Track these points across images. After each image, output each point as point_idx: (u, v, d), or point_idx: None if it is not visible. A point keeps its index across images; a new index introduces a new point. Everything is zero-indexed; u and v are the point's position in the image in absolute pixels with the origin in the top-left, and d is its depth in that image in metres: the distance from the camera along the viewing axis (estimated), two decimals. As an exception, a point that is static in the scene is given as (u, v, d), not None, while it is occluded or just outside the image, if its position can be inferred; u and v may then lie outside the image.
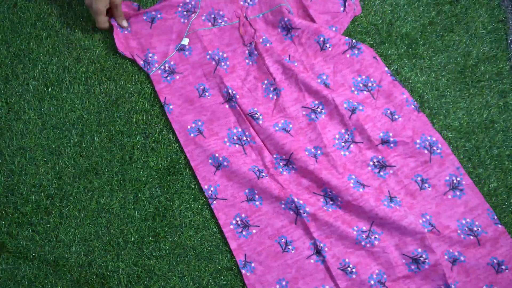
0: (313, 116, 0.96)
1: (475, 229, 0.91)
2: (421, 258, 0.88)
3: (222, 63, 1.00)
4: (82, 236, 0.96)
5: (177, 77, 1.01)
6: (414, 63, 1.03)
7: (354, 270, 0.89)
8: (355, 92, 0.98)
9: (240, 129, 0.98)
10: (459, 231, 0.90)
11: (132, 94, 1.02)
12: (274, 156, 0.96)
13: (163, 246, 0.95)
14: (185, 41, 1.01)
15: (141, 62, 1.01)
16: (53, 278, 0.94)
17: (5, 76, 1.03)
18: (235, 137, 0.97)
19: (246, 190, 0.95)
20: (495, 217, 0.92)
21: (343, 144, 0.95)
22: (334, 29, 1.02)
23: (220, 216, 0.94)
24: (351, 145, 0.95)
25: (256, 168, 0.95)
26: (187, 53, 1.01)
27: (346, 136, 0.96)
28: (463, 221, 0.91)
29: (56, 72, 1.03)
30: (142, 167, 0.98)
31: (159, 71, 1.00)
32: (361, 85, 0.98)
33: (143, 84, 1.02)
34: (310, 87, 0.97)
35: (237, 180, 0.95)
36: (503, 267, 0.88)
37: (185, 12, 1.02)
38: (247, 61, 1.01)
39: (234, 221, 0.94)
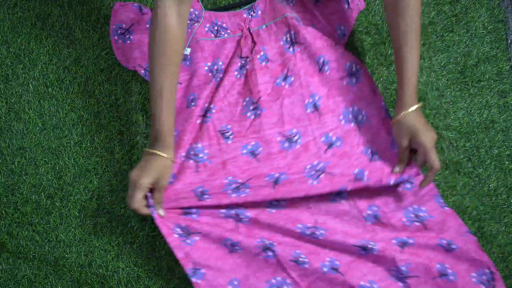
0: (286, 145, 0.93)
1: (421, 214, 0.91)
2: (369, 246, 0.87)
3: (218, 74, 0.98)
4: (82, 236, 0.96)
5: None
6: (414, 63, 1.03)
7: (306, 260, 0.87)
8: (342, 122, 0.94)
9: (200, 145, 0.94)
10: (404, 219, 0.90)
11: (132, 94, 1.02)
12: (229, 178, 0.92)
13: (163, 246, 0.95)
14: (187, 51, 0.99)
15: (142, 72, 1.00)
16: (53, 278, 0.94)
17: (5, 76, 1.03)
18: (192, 152, 0.93)
19: (186, 203, 0.91)
20: (441, 201, 0.92)
21: (312, 173, 0.91)
22: (342, 27, 1.01)
23: (162, 227, 0.88)
24: (322, 175, 0.91)
25: (200, 189, 0.90)
26: (188, 62, 1.00)
27: (318, 167, 0.92)
28: (410, 208, 0.91)
29: (56, 72, 1.03)
30: (142, 167, 0.98)
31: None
32: (350, 116, 0.95)
33: (143, 84, 1.02)
34: (293, 114, 0.95)
35: (176, 197, 0.90)
36: (453, 246, 0.88)
37: (188, 21, 1.01)
38: (236, 73, 0.98)
39: (176, 230, 0.89)
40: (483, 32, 1.05)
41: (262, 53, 0.99)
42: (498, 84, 1.02)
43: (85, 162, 0.99)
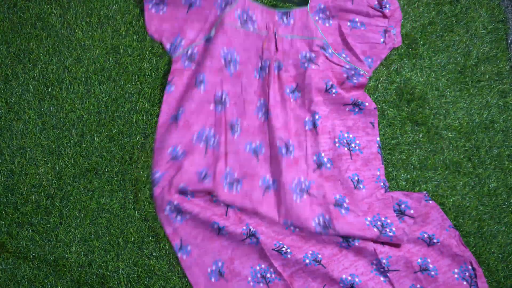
0: (283, 151, 0.95)
1: (402, 206, 0.93)
2: (350, 238, 0.90)
3: (231, 65, 1.00)
4: (82, 236, 0.96)
5: (193, 67, 1.01)
6: (414, 63, 1.03)
7: (288, 250, 0.89)
8: (337, 144, 0.96)
9: (212, 132, 0.97)
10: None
11: (132, 94, 1.02)
12: (227, 169, 0.95)
13: (163, 246, 0.95)
14: (212, 33, 1.01)
15: (168, 46, 1.02)
16: (53, 278, 0.94)
17: (5, 76, 1.03)
18: (204, 137, 0.97)
19: (182, 184, 0.94)
20: (427, 195, 0.94)
21: (298, 190, 0.94)
22: (370, 60, 1.01)
23: (158, 200, 0.95)
24: (305, 195, 0.94)
25: (204, 172, 0.94)
26: (209, 45, 1.01)
27: (303, 185, 0.94)
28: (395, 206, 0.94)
29: (56, 72, 1.03)
30: (142, 167, 0.98)
31: (181, 55, 1.01)
32: (345, 141, 0.97)
33: (143, 84, 1.02)
34: (292, 127, 0.97)
35: (180, 175, 0.94)
36: (435, 240, 0.90)
37: (223, 5, 1.02)
38: (255, 73, 1.00)
39: (168, 207, 0.94)
40: (483, 32, 1.05)
41: (279, 61, 1.00)
42: (498, 84, 1.02)
43: (85, 162, 0.99)
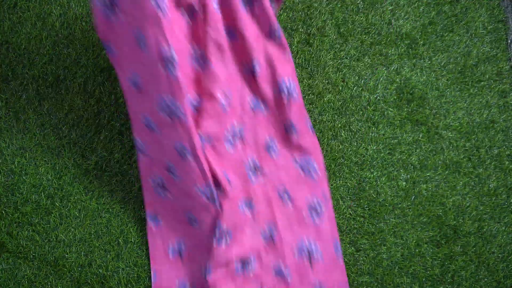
0: (224, 102, 0.88)
1: (313, 250, 0.94)
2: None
3: (163, 11, 0.79)
4: (82, 236, 0.96)
5: (121, 18, 0.82)
6: (414, 63, 1.03)
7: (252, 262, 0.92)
8: (274, 90, 0.92)
9: (170, 98, 0.85)
10: (295, 251, 0.94)
11: (132, 94, 1.02)
12: (200, 133, 0.89)
13: (163, 246, 0.95)
14: None
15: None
16: (53, 278, 0.94)
17: (5, 76, 1.03)
18: (165, 106, 0.86)
19: (168, 163, 0.91)
20: (339, 249, 0.93)
21: (230, 138, 0.90)
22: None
23: (142, 169, 0.94)
24: (238, 141, 0.92)
25: (180, 146, 0.88)
26: None
27: (237, 130, 0.91)
28: (306, 242, 0.94)
29: (56, 72, 1.03)
30: (142, 167, 0.99)
31: (98, 3, 0.82)
32: (285, 87, 0.91)
33: (143, 84, 1.02)
34: (233, 72, 0.89)
35: (161, 149, 0.91)
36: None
37: None
38: (186, 18, 0.85)
39: (153, 179, 0.94)
40: (483, 32, 1.05)
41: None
42: (498, 84, 1.02)
43: (85, 162, 0.99)
